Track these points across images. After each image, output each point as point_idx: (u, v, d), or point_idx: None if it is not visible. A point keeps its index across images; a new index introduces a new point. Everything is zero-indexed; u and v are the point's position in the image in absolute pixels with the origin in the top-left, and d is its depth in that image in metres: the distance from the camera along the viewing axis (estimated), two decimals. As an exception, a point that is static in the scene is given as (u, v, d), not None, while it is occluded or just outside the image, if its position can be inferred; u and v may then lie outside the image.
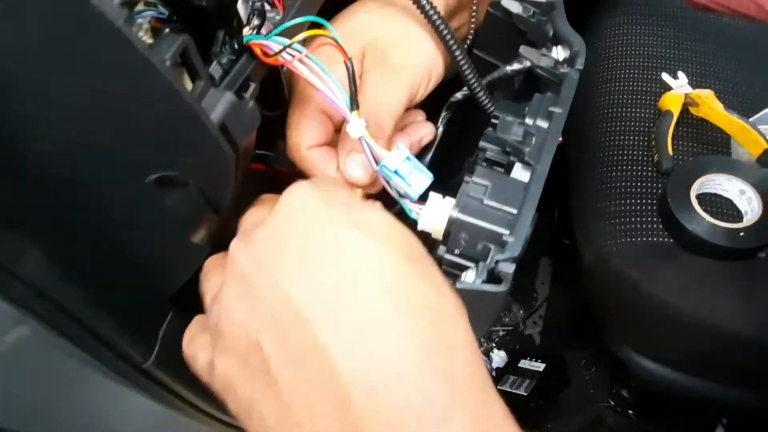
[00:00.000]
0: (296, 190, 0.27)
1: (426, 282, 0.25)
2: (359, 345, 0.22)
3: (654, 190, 0.51)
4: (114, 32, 0.20)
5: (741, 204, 0.48)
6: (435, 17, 0.34)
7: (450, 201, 0.32)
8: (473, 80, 0.36)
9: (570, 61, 0.36)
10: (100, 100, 0.24)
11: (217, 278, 0.28)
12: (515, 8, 0.41)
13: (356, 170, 0.35)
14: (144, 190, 0.29)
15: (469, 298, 0.29)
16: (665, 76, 0.56)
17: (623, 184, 0.52)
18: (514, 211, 0.29)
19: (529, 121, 0.34)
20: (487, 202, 0.30)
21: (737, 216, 0.48)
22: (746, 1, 0.41)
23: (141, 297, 0.46)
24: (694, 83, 0.55)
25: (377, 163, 0.32)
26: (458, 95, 0.40)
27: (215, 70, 0.31)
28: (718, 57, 0.57)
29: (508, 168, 0.34)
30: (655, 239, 0.49)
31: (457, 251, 0.31)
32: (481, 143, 0.36)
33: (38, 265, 0.36)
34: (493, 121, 0.37)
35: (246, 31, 0.32)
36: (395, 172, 0.31)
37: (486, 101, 0.37)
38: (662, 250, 0.48)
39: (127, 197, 0.31)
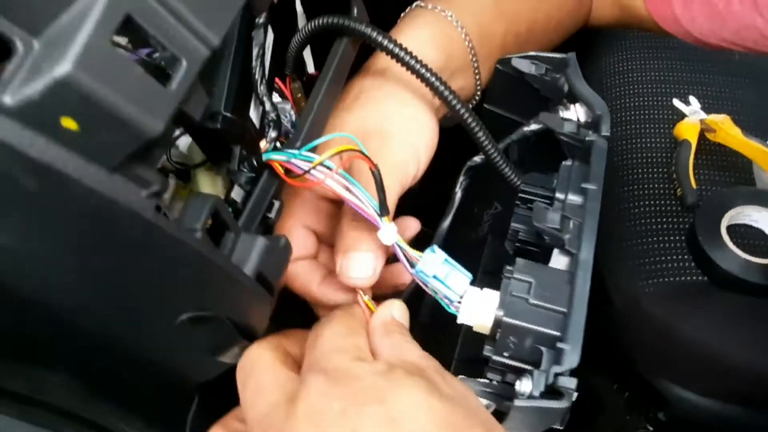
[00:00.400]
0: (315, 391, 0.24)
1: None
2: None
3: (681, 226, 0.49)
4: (143, 222, 0.19)
5: (773, 235, 0.47)
6: (453, 99, 0.33)
7: (490, 294, 0.30)
8: (498, 158, 0.35)
9: (594, 126, 0.35)
10: (129, 267, 0.23)
11: None
12: (526, 68, 0.40)
13: (356, 271, 0.32)
14: (174, 327, 0.28)
15: (527, 412, 0.27)
16: (677, 102, 0.55)
17: (648, 220, 0.50)
18: (564, 310, 0.28)
19: (560, 195, 0.33)
20: (533, 301, 0.28)
21: (771, 248, 0.47)
22: (762, 39, 0.39)
23: (167, 395, 0.44)
24: (707, 107, 0.54)
25: (412, 266, 0.31)
26: (476, 159, 0.38)
27: (236, 193, 0.30)
28: (728, 77, 0.56)
29: (545, 252, 0.32)
30: (687, 278, 0.47)
31: (506, 354, 0.29)
32: (513, 225, 0.34)
33: (63, 390, 0.35)
34: (521, 195, 0.35)
35: (263, 144, 0.31)
36: (434, 276, 0.30)
37: (512, 176, 0.35)
38: (696, 289, 0.47)
39: (157, 333, 0.30)
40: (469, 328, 0.37)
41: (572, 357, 0.26)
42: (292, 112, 0.39)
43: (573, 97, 0.39)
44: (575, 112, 0.39)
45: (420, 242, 0.33)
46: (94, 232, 0.20)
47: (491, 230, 0.49)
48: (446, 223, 0.38)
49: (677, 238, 0.49)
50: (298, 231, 0.34)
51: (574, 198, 0.32)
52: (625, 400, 0.82)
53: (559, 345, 0.27)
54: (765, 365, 0.45)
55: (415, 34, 0.38)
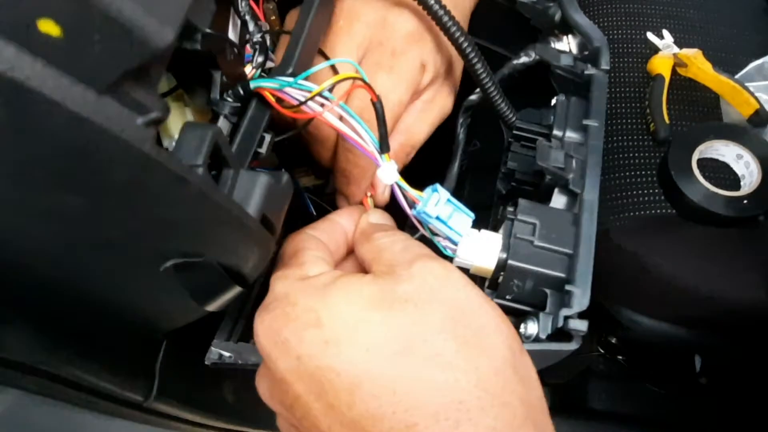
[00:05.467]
0: (261, 328, 0.26)
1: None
2: None
3: (652, 161, 0.50)
4: (139, 155, 0.16)
5: (738, 169, 0.48)
6: (457, 34, 0.30)
7: (490, 236, 0.30)
8: (496, 94, 0.33)
9: (591, 60, 0.33)
10: (113, 208, 0.20)
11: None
12: (517, -7, 0.38)
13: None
14: (157, 275, 0.25)
15: (534, 355, 0.27)
16: (651, 36, 0.54)
17: (621, 155, 0.51)
18: (569, 251, 0.28)
19: (558, 132, 0.32)
20: (538, 243, 0.28)
21: (736, 181, 0.48)
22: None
23: (134, 341, 0.43)
24: (679, 41, 0.54)
25: (412, 207, 0.29)
26: (473, 97, 0.36)
27: (223, 124, 0.27)
28: (702, 12, 0.55)
29: (543, 191, 0.32)
30: (657, 211, 0.49)
31: (507, 297, 0.29)
32: (510, 164, 0.33)
33: (23, 345, 0.32)
34: (516, 132, 0.34)
35: (248, 71, 0.27)
36: (436, 217, 0.29)
37: (508, 113, 0.34)
38: (665, 222, 0.48)
39: (135, 282, 0.27)
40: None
41: (582, 300, 0.26)
42: (267, 36, 0.35)
43: (565, 28, 0.37)
44: (567, 44, 0.37)
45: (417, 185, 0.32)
46: (76, 168, 0.16)
47: (470, 168, 0.48)
48: (455, 165, 0.37)
49: (648, 172, 0.50)
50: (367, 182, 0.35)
51: (573, 135, 0.32)
52: (579, 325, 0.87)
53: (568, 287, 0.27)
54: (719, 290, 0.47)
55: None
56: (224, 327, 0.44)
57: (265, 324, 0.26)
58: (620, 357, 0.82)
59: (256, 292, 0.49)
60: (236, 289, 0.29)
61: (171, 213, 0.19)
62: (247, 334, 0.44)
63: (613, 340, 0.81)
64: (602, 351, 0.82)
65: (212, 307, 0.31)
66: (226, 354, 0.40)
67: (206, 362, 0.42)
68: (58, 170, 0.15)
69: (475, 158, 0.48)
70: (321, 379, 0.23)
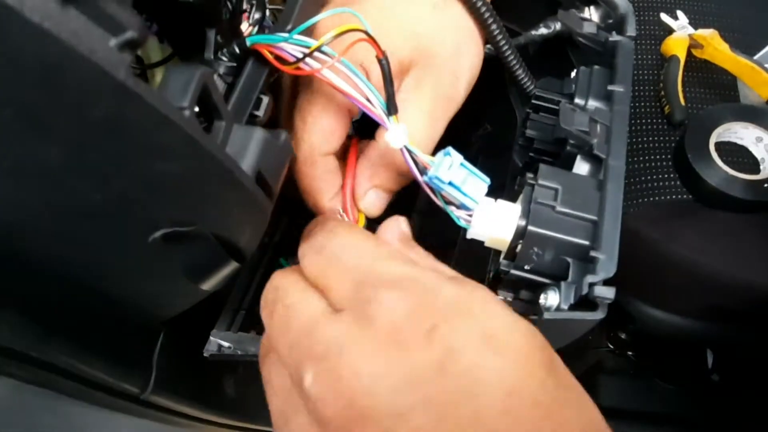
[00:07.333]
0: (396, 309, 0.20)
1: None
2: None
3: (667, 144, 0.48)
4: (113, 85, 0.14)
5: (758, 152, 0.47)
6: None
7: (506, 205, 0.28)
8: (513, 59, 0.31)
9: (617, 27, 0.32)
10: (86, 157, 0.18)
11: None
12: (534, -38, 0.36)
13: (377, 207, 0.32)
14: (146, 247, 0.23)
15: (556, 326, 0.26)
16: (664, 17, 0.53)
17: (635, 139, 0.49)
18: (594, 218, 0.26)
19: (579, 101, 0.30)
20: (560, 209, 0.26)
21: (755, 165, 0.47)
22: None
23: (130, 331, 0.41)
24: (694, 22, 0.52)
25: (423, 173, 0.27)
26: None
27: (217, 84, 0.25)
28: (716, -9, 0.54)
29: (564, 161, 0.30)
30: (673, 197, 0.47)
31: (527, 267, 0.27)
32: (529, 132, 0.32)
33: (10, 329, 0.30)
34: (535, 102, 0.32)
35: (245, 28, 0.26)
36: (449, 183, 0.27)
37: (527, 81, 0.32)
38: (682, 208, 0.47)
39: (122, 256, 0.25)
40: (465, 245, 0.34)
41: (609, 266, 0.25)
42: None
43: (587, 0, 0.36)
44: (589, 15, 0.36)
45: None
46: (44, 103, 0.14)
47: (480, 151, 0.46)
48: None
49: (663, 156, 0.48)
50: (326, 119, 0.29)
51: (595, 104, 0.30)
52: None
53: (593, 253, 0.25)
54: (750, 279, 0.45)
55: None
56: (224, 318, 0.43)
57: (401, 303, 0.20)
58: (630, 353, 0.80)
59: (257, 282, 0.47)
60: (232, 265, 0.27)
61: (156, 166, 0.17)
62: (247, 326, 0.42)
63: (623, 336, 0.79)
64: (611, 346, 0.80)
65: (207, 285, 0.29)
66: (226, 344, 0.39)
67: (205, 353, 0.40)
68: (24, 106, 0.13)
69: (487, 143, 0.46)
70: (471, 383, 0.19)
